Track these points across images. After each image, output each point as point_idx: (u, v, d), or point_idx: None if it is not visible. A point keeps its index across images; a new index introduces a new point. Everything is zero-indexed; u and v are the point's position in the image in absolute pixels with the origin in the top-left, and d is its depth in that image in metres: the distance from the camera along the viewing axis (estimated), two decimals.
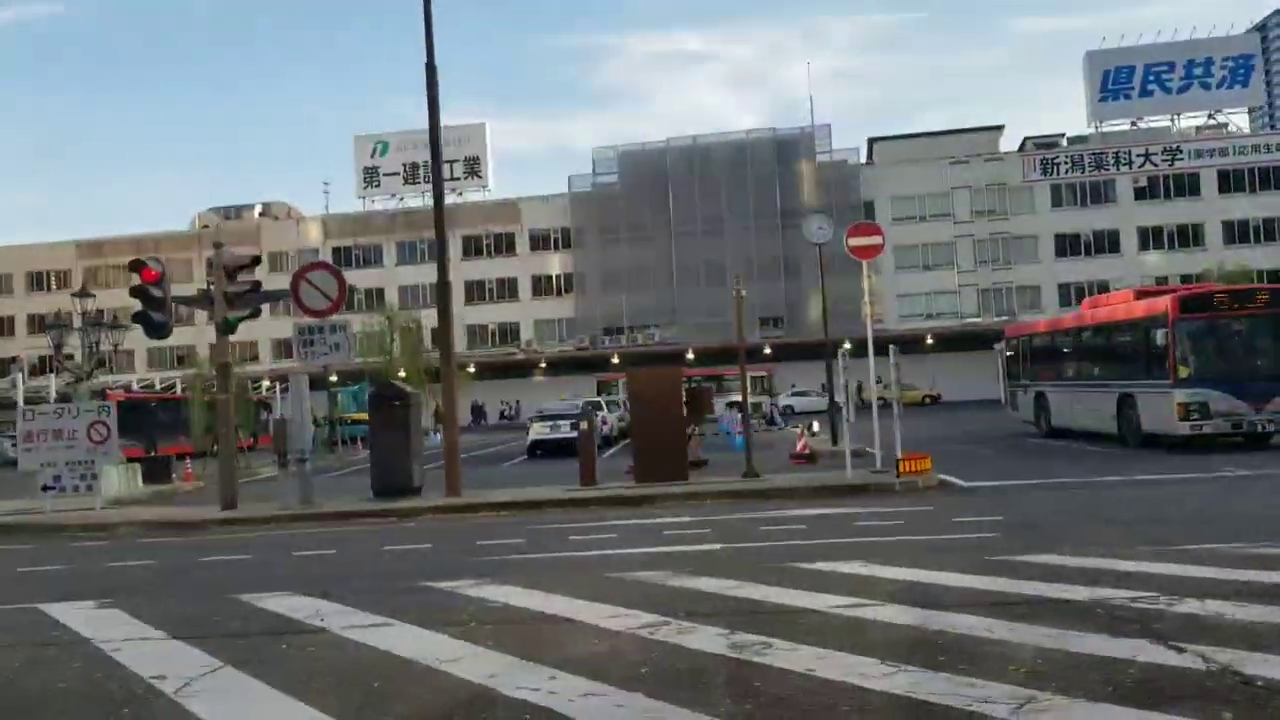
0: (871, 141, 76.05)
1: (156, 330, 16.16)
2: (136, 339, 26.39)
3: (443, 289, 16.59)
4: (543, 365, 72.34)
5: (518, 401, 70.54)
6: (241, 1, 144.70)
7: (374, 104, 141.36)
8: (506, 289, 74.89)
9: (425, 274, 75.17)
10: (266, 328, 64.96)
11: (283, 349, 73.64)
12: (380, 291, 77.30)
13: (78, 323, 23.65)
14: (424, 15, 16.59)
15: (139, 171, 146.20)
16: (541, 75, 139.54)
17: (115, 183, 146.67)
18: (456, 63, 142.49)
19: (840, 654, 5.47)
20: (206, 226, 78.82)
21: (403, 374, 49.94)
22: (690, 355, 65.83)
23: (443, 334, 16.50)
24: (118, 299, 76.96)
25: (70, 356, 22.87)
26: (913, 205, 70.33)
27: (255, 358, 74.57)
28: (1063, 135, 73.56)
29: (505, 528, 13.24)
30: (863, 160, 73.70)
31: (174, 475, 24.61)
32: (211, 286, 16.08)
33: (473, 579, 8.70)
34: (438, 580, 8.76)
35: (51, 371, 55.68)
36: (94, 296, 23.83)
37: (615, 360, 70.24)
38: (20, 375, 49.48)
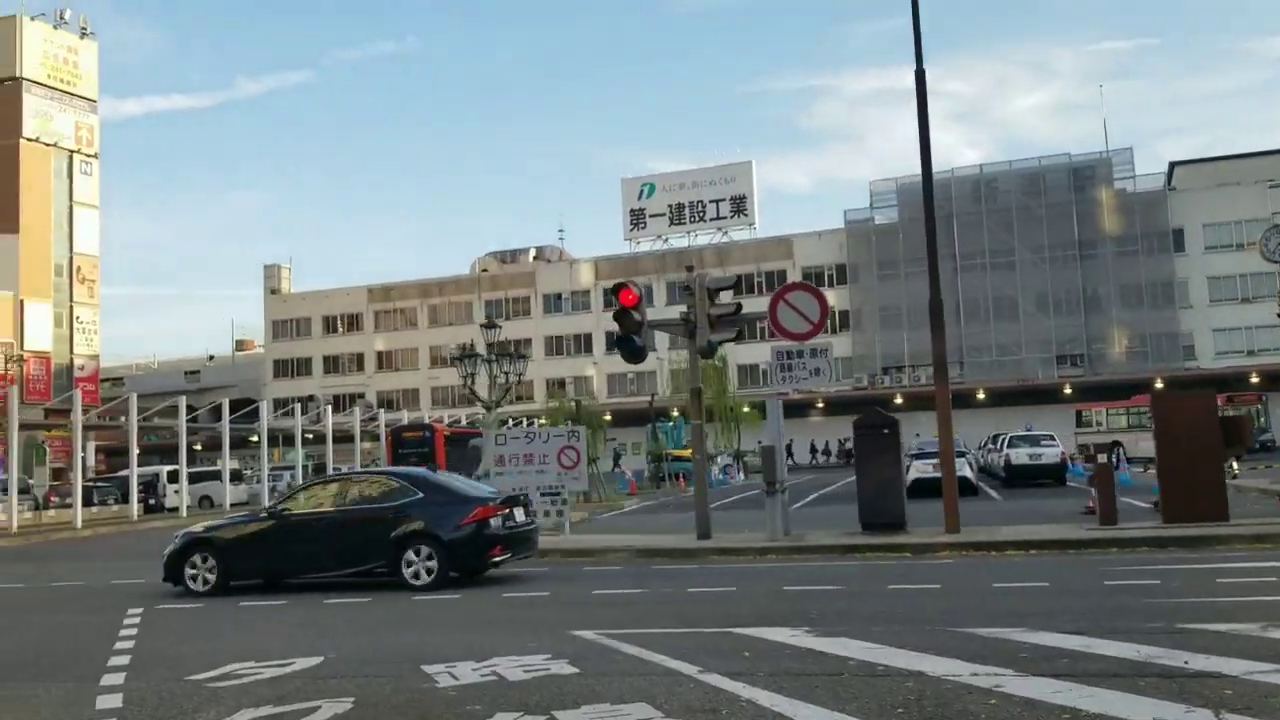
0: (1172, 165, 71.02)
1: (635, 355, 15.60)
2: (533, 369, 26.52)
3: (935, 307, 15.34)
4: (819, 405, 70.64)
5: (791, 440, 69.01)
6: (498, 51, 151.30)
7: (637, 147, 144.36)
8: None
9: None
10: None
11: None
12: (651, 332, 77.63)
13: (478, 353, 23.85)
14: (913, 21, 15.57)
15: (419, 218, 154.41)
16: (749, 117, 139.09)
17: (403, 229, 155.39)
18: (665, 109, 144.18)
19: None
20: (486, 270, 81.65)
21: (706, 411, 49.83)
22: (981, 395, 62.81)
23: (937, 352, 15.26)
24: (404, 340, 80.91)
25: (470, 383, 22.98)
26: (1227, 232, 64.90)
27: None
28: None
29: (1059, 568, 11.75)
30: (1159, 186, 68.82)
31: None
32: (691, 310, 15.42)
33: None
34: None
35: (344, 409, 58.23)
36: (499, 328, 24.02)
37: (899, 401, 67.84)
38: (318, 409, 52.04)
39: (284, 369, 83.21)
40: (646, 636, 7.94)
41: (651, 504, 30.74)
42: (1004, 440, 30.25)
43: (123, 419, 37.64)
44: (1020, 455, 28.39)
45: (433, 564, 11.79)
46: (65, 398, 52.36)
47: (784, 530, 14.90)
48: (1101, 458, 14.99)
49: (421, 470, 13.98)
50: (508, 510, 12.25)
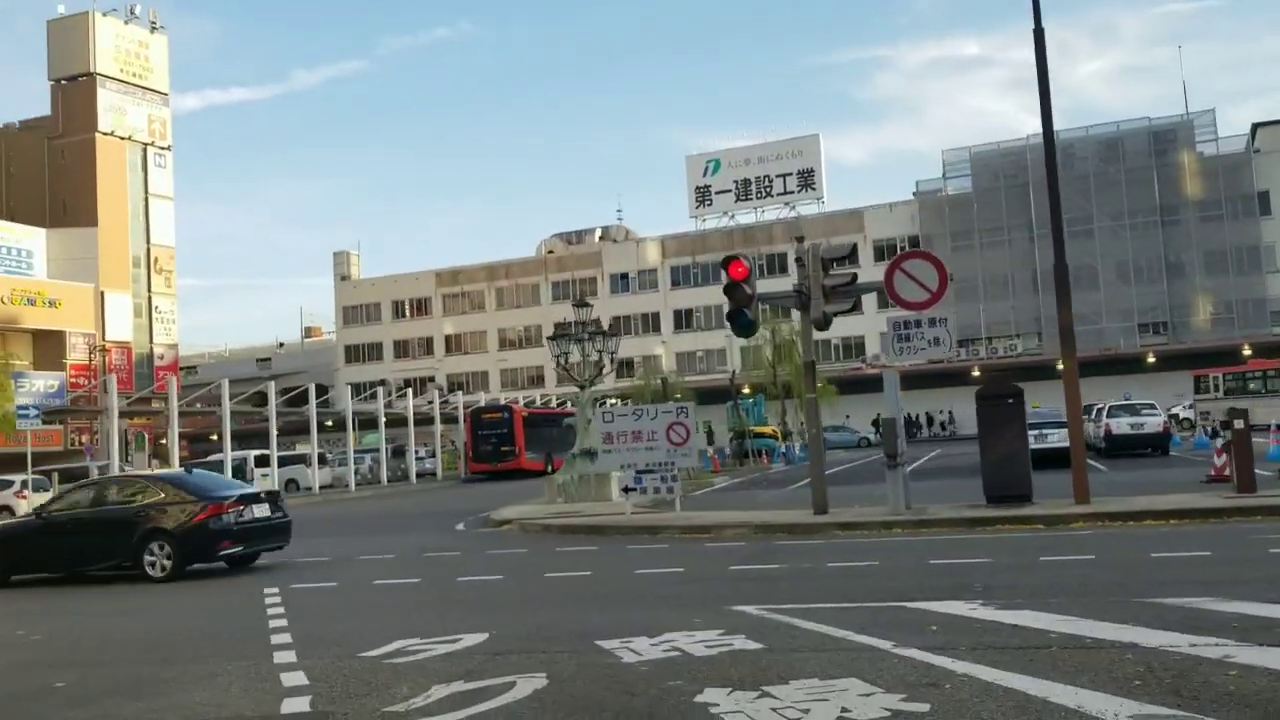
0: (1255, 127, 68.81)
1: (746, 329, 15.40)
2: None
3: (1061, 273, 14.91)
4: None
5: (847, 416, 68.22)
6: (550, 34, 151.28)
7: (693, 125, 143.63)
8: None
9: (764, 289, 74.48)
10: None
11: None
12: (718, 308, 77.30)
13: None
14: None
15: (487, 201, 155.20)
16: (807, 91, 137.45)
17: (467, 213, 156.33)
18: (722, 84, 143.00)
19: None
20: (552, 252, 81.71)
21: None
22: (1061, 365, 61.48)
23: (1063, 320, 14.80)
24: (473, 323, 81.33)
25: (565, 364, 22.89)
26: None
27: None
28: None
29: (1212, 537, 11.35)
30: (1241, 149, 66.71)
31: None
32: (805, 281, 15.13)
33: None
34: None
35: (415, 391, 58.63)
36: (590, 306, 23.90)
37: (976, 373, 66.76)
38: (389, 394, 52.33)
39: (355, 354, 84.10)
40: (813, 611, 7.75)
41: (740, 480, 30.53)
42: (1103, 410, 29.53)
43: (215, 407, 38.16)
44: (1121, 425, 27.68)
45: (168, 558, 12.96)
46: (148, 390, 53.41)
47: (905, 504, 14.61)
48: (1238, 423, 14.45)
49: (177, 472, 15.96)
50: (242, 507, 13.36)
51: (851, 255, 16.60)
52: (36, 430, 35.28)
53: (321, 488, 41.18)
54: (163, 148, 68.69)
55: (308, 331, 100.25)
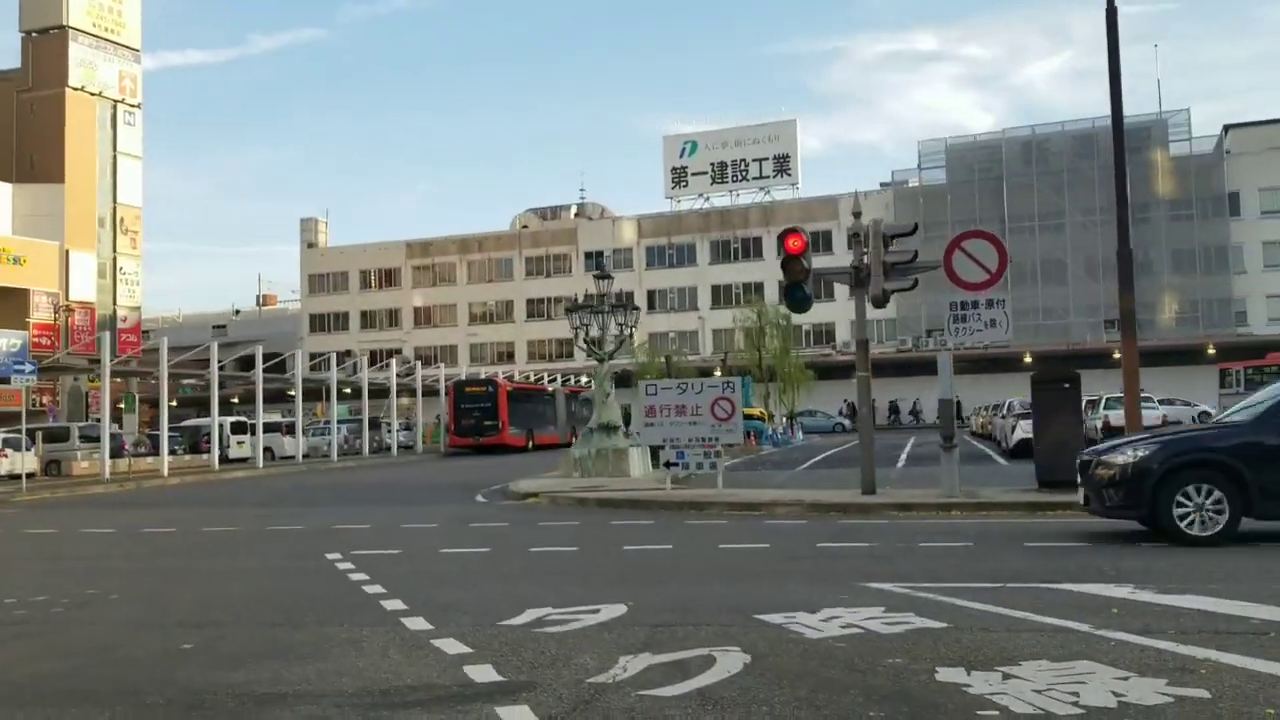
0: (1225, 129, 69.83)
1: (802, 304, 15.15)
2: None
3: (1124, 257, 14.78)
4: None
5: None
6: (546, 13, 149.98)
7: (693, 103, 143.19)
8: (823, 288, 72.50)
9: (739, 273, 74.52)
10: None
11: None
12: (692, 290, 77.28)
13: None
14: None
15: (462, 173, 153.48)
16: (762, 80, 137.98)
17: (438, 186, 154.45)
18: (674, 70, 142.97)
19: None
20: (526, 226, 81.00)
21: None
22: (1027, 359, 62.11)
23: (1125, 306, 14.72)
24: (443, 296, 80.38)
25: (589, 338, 22.52)
26: None
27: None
28: None
29: None
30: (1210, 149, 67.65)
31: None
32: (864, 257, 14.91)
33: None
34: None
35: (381, 364, 57.84)
36: (611, 278, 23.52)
37: None
38: (357, 364, 51.45)
39: (320, 323, 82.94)
40: (960, 590, 7.52)
41: (739, 461, 30.32)
42: (1100, 402, 29.74)
43: (204, 370, 37.09)
44: (1119, 417, 27.83)
45: None
46: (131, 353, 52.06)
47: (958, 486, 14.47)
48: None
49: None
50: None
51: (913, 232, 16.33)
52: None
53: (288, 458, 40.43)
54: (133, 105, 66.94)
55: (264, 300, 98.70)
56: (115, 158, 65.65)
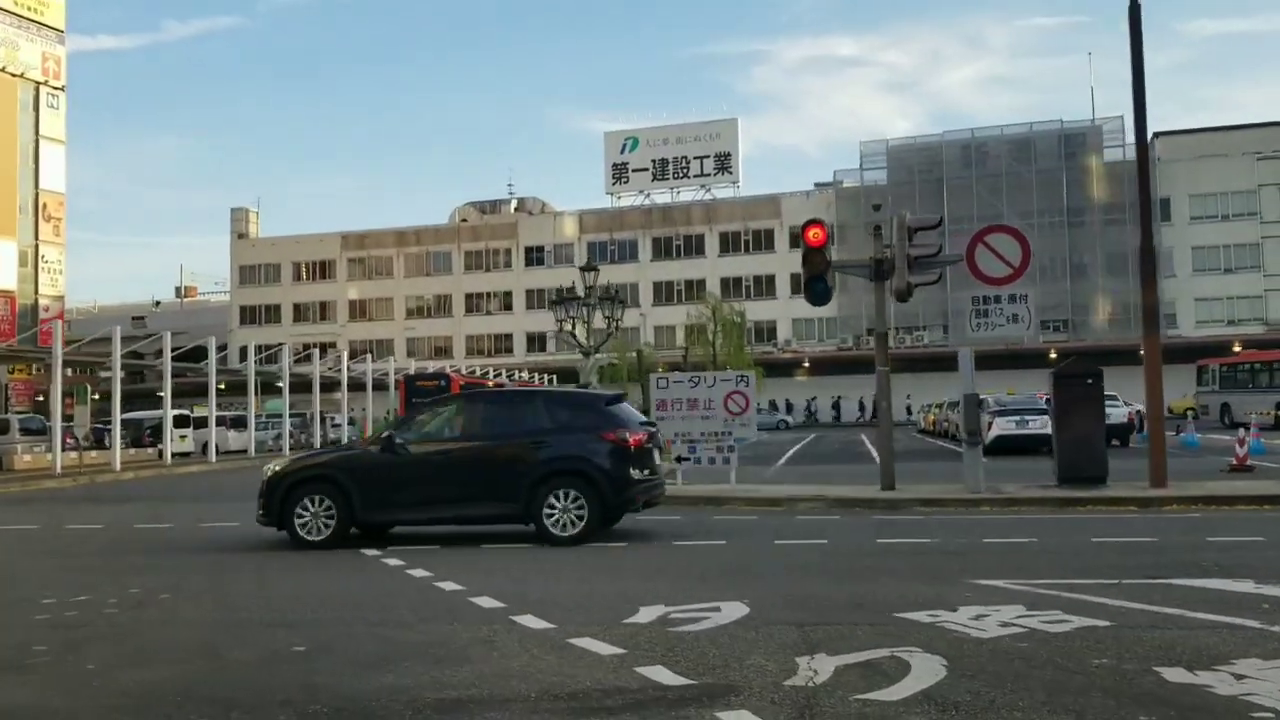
0: (1154, 135, 71.61)
1: (822, 296, 14.97)
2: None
3: (1147, 252, 14.85)
4: (806, 365, 70.59)
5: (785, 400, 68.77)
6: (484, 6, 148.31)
7: (620, 101, 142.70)
8: (764, 286, 73.26)
9: (680, 270, 74.43)
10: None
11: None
12: (634, 285, 76.91)
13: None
14: None
15: (397, 166, 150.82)
16: (690, 82, 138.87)
17: (375, 176, 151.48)
18: (603, 71, 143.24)
19: None
20: (465, 220, 79.95)
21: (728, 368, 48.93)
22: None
23: (1148, 302, 14.77)
24: (379, 289, 78.94)
25: (569, 329, 22.08)
26: (1214, 204, 65.81)
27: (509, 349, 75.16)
28: None
29: None
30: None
31: None
32: (887, 250, 14.74)
33: None
34: None
35: (316, 357, 56.51)
36: (597, 270, 23.08)
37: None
38: (289, 360, 50.11)
39: (251, 316, 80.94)
40: (1089, 587, 7.36)
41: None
42: None
43: (156, 361, 35.55)
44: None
45: None
46: (90, 338, 49.99)
47: (982, 482, 14.39)
48: None
49: None
50: None
51: (938, 225, 16.21)
52: None
53: (241, 451, 39.23)
54: (56, 88, 64.51)
55: (186, 292, 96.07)
56: (38, 142, 63.21)
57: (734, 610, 6.85)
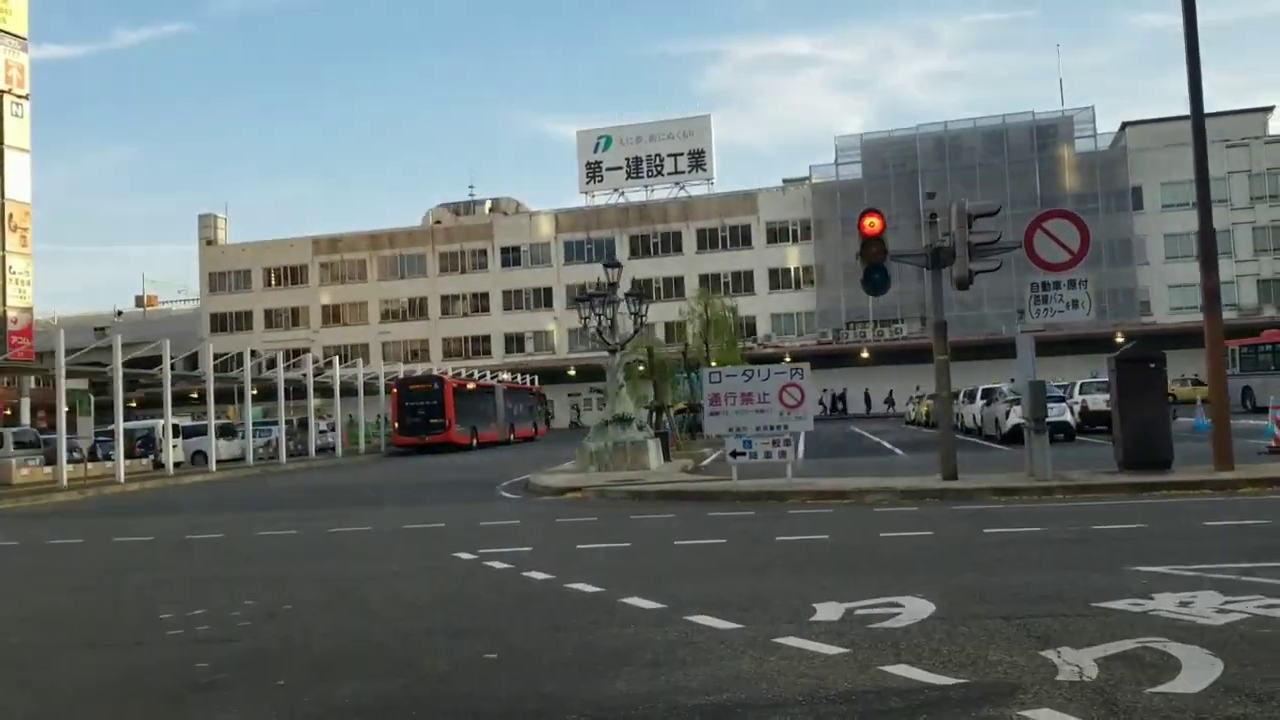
0: (1124, 125, 72.47)
1: (879, 286, 14.78)
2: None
3: (1206, 233, 14.83)
4: (786, 360, 70.51)
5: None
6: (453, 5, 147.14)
7: (584, 102, 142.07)
8: (743, 282, 73.20)
9: (659, 268, 74.16)
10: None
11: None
12: (613, 286, 76.44)
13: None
14: None
15: (367, 170, 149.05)
16: (647, 80, 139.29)
17: (347, 180, 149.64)
18: (560, 68, 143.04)
19: None
20: (439, 222, 79.22)
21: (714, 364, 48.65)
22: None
23: (1209, 284, 14.75)
24: (352, 293, 78.01)
25: (592, 327, 21.78)
26: (1184, 191, 66.45)
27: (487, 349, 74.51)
28: None
29: None
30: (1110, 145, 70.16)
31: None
32: (945, 238, 14.59)
33: None
34: None
35: (287, 365, 55.68)
36: (620, 266, 22.78)
37: (865, 355, 68.21)
38: (260, 365, 49.28)
39: (222, 323, 79.63)
40: (1256, 570, 7.20)
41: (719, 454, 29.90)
42: (1075, 387, 30.41)
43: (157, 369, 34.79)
44: (1097, 401, 28.44)
45: None
46: (85, 349, 48.83)
47: (1050, 470, 14.27)
48: None
49: None
50: None
51: (996, 212, 16.08)
52: None
53: (232, 460, 38.45)
54: (20, 96, 62.88)
55: (147, 301, 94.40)
56: (2, 151, 61.71)
57: (918, 605, 6.62)
